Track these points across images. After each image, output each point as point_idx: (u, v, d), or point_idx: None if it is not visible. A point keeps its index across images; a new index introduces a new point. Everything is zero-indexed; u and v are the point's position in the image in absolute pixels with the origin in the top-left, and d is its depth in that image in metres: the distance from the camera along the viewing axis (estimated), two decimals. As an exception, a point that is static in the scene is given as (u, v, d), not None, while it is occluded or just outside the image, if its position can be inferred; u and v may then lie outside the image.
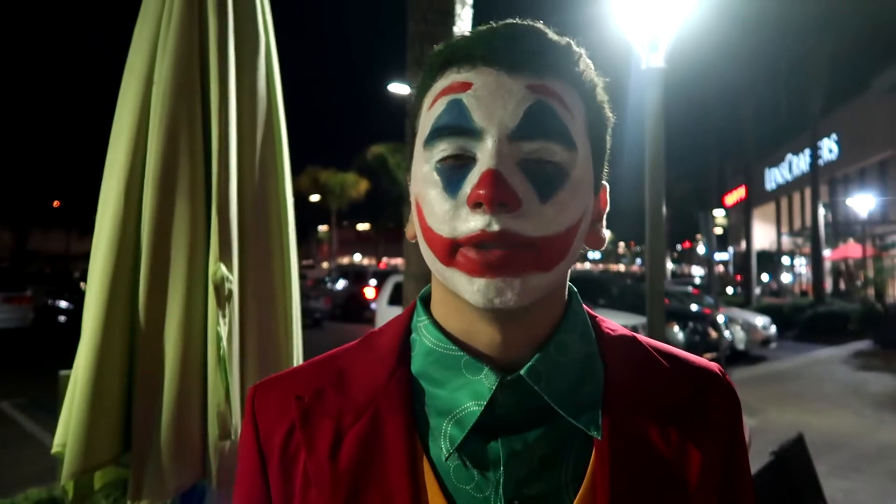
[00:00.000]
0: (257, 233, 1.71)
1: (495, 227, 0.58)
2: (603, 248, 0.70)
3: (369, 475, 0.63)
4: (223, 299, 1.56)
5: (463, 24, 4.86)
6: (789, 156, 30.87)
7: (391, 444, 0.63)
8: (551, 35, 0.65)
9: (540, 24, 0.65)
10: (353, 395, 0.67)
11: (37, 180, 36.49)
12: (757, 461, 3.15)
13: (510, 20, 0.65)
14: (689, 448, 0.66)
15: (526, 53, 0.62)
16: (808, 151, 23.83)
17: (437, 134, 0.62)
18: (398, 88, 17.48)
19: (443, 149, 0.62)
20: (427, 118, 0.65)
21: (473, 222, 0.59)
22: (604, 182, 0.71)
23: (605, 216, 0.71)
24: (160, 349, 1.54)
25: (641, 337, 0.74)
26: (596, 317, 0.73)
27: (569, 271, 0.67)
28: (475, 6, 4.93)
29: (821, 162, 23.61)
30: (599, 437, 0.64)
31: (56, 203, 41.09)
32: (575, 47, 0.66)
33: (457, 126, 0.61)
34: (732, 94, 25.31)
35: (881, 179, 24.67)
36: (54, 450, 1.59)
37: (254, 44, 1.74)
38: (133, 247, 1.59)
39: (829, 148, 27.07)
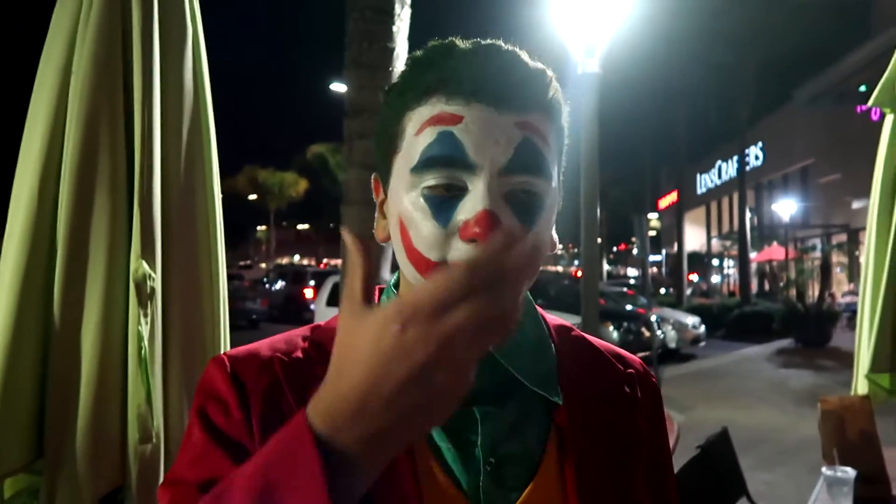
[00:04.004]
0: (183, 229, 1.65)
1: None
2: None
3: None
4: (145, 297, 1.50)
5: (402, 23, 4.85)
6: (719, 162, 32.13)
7: None
8: (531, 64, 0.69)
9: (518, 51, 0.69)
10: None
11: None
12: (685, 456, 3.25)
13: (491, 42, 0.68)
14: (632, 416, 0.76)
15: (513, 88, 0.66)
16: (736, 158, 24.84)
17: (429, 163, 0.65)
18: (339, 88, 17.36)
19: (434, 177, 0.65)
20: (414, 143, 0.67)
21: (468, 255, 0.63)
22: None
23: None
24: (76, 349, 1.47)
25: (574, 328, 0.83)
26: (537, 307, 0.80)
27: None
28: (414, 6, 4.93)
29: (748, 168, 24.66)
30: (560, 402, 0.72)
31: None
32: (548, 73, 0.70)
33: (451, 157, 0.65)
34: (665, 102, 26.07)
35: (803, 186, 25.98)
36: (-40, 457, 1.50)
37: (180, 33, 1.68)
38: (48, 242, 1.51)
39: (755, 155, 28.33)
